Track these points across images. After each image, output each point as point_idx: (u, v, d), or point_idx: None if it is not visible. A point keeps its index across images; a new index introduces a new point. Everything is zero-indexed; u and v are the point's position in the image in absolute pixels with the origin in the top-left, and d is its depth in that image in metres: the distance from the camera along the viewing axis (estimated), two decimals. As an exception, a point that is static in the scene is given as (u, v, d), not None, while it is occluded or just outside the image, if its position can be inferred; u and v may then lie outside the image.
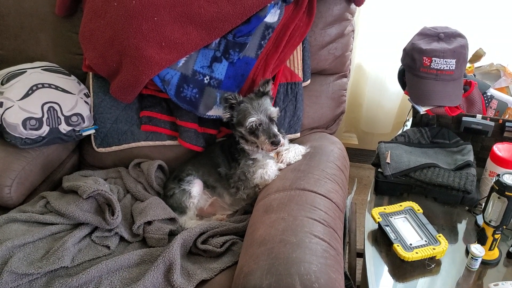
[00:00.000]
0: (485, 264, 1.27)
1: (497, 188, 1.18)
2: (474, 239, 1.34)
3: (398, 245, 1.27)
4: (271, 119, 1.53)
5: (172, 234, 1.48)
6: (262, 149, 1.56)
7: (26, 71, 1.68)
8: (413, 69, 1.63)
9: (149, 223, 1.48)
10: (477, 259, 1.23)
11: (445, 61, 1.58)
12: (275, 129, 1.53)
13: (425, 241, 1.29)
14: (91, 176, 1.67)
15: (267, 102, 1.54)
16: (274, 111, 1.54)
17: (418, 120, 1.73)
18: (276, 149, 1.54)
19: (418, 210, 1.41)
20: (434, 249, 1.26)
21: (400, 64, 1.76)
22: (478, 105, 1.68)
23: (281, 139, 1.52)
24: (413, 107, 1.68)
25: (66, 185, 1.58)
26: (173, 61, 1.58)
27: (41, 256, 1.32)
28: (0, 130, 1.56)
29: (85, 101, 1.73)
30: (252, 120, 1.50)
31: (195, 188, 1.61)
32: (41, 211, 1.50)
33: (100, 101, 1.75)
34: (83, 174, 1.73)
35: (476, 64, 1.87)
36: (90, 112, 1.74)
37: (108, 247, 1.41)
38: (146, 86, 1.68)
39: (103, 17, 1.62)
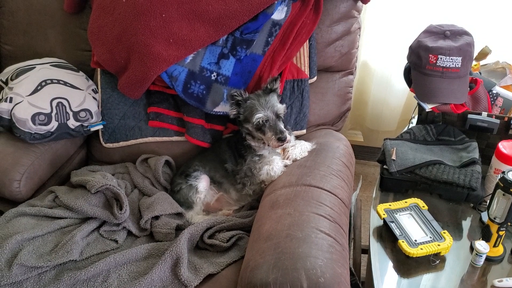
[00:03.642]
0: (490, 260, 1.28)
1: (502, 185, 1.18)
2: (479, 236, 1.35)
3: (403, 241, 1.28)
4: (278, 116, 1.54)
5: (179, 229, 1.50)
6: (268, 145, 1.57)
7: (35, 67, 1.70)
8: (419, 66, 1.64)
9: (156, 217, 1.50)
10: (481, 256, 1.24)
11: (451, 59, 1.58)
12: (282, 126, 1.54)
13: (430, 237, 1.30)
14: (99, 171, 1.69)
15: (274, 99, 1.55)
16: (281, 107, 1.55)
17: (424, 118, 1.74)
18: (282, 145, 1.55)
19: (423, 206, 1.42)
20: (438, 245, 1.26)
21: (406, 62, 1.76)
22: (483, 103, 1.69)
23: (288, 135, 1.53)
24: (418, 104, 1.69)
25: (74, 180, 1.60)
26: (181, 57, 1.59)
27: (50, 250, 1.33)
28: (10, 125, 1.58)
29: (93, 97, 1.75)
30: (259, 116, 1.51)
31: (202, 183, 1.62)
32: (49, 205, 1.52)
33: (108, 97, 1.77)
34: (91, 169, 1.74)
35: (482, 62, 1.87)
36: (98, 108, 1.76)
37: (116, 241, 1.43)
38: (154, 82, 1.69)
39: (112, 14, 1.64)
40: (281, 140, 1.51)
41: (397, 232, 1.32)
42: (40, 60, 1.78)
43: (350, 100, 1.87)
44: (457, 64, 1.58)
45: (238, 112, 1.58)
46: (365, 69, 2.37)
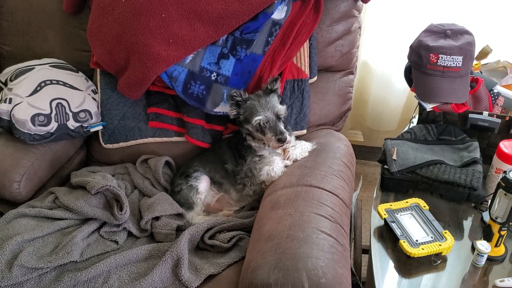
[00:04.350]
0: (491, 260, 1.28)
1: (503, 184, 1.18)
2: (480, 236, 1.35)
3: (404, 241, 1.27)
4: (278, 117, 1.54)
5: (179, 230, 1.49)
6: (268, 146, 1.57)
7: (34, 68, 1.69)
8: (420, 66, 1.63)
9: (156, 218, 1.50)
10: (483, 256, 1.24)
11: (452, 58, 1.57)
12: (282, 127, 1.54)
13: (431, 237, 1.30)
14: (99, 172, 1.68)
15: (274, 100, 1.55)
16: (281, 109, 1.55)
17: (425, 117, 1.73)
18: (282, 146, 1.55)
19: (424, 206, 1.42)
20: (440, 245, 1.26)
21: (407, 61, 1.76)
22: (484, 102, 1.68)
23: (288, 136, 1.53)
24: (419, 104, 1.68)
25: (74, 181, 1.59)
26: (181, 57, 1.59)
27: (50, 251, 1.33)
28: (9, 126, 1.57)
29: (93, 98, 1.74)
30: (259, 118, 1.51)
31: (202, 184, 1.62)
32: (49, 206, 1.51)
33: (107, 98, 1.77)
34: (91, 170, 1.74)
35: (483, 61, 1.87)
36: (98, 109, 1.76)
37: (117, 242, 1.42)
38: (154, 83, 1.69)
39: (111, 14, 1.63)
40: (281, 141, 1.51)
41: (398, 232, 1.32)
42: (40, 61, 1.78)
43: (351, 100, 1.87)
44: (458, 64, 1.58)
45: (238, 112, 1.57)
46: (365, 68, 2.37)
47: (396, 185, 1.55)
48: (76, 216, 1.46)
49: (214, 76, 1.65)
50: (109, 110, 1.77)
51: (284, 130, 1.54)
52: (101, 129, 1.78)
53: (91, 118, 1.71)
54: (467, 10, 1.99)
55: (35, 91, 1.61)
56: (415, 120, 1.84)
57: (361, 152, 2.68)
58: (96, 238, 1.42)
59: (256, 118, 1.51)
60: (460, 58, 1.57)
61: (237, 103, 1.57)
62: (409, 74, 1.75)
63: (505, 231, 1.25)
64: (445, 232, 1.30)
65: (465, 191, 1.46)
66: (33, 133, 1.58)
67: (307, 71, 1.73)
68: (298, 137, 1.74)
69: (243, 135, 1.62)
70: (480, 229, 1.39)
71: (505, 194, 1.19)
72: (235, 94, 1.55)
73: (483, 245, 1.23)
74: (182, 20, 1.57)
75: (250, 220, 1.47)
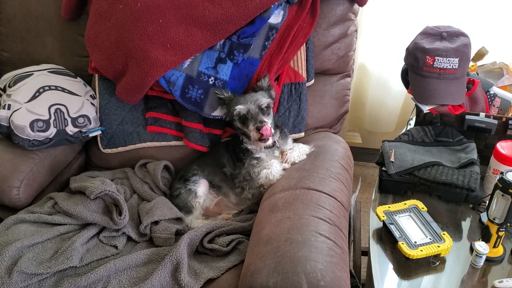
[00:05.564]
0: (490, 261, 1.28)
1: (500, 185, 1.18)
2: (479, 237, 1.35)
3: (402, 243, 1.28)
4: (261, 109, 1.54)
5: (178, 234, 1.49)
6: (253, 139, 1.55)
7: (33, 74, 1.70)
8: (416, 68, 1.64)
9: (156, 223, 1.50)
10: (481, 257, 1.24)
11: (448, 60, 1.58)
12: (264, 118, 1.53)
13: (430, 239, 1.30)
14: (98, 177, 1.69)
15: (260, 94, 1.57)
16: (264, 101, 1.54)
17: (422, 119, 1.74)
18: (264, 138, 1.49)
19: (423, 208, 1.42)
20: (438, 246, 1.27)
21: (403, 64, 1.76)
22: (481, 104, 1.69)
23: (268, 125, 1.50)
24: (416, 106, 1.69)
25: (73, 186, 1.60)
26: (178, 62, 1.60)
27: (50, 256, 1.33)
28: (8, 132, 1.58)
29: (91, 103, 1.75)
30: (238, 107, 1.52)
31: (201, 188, 1.62)
32: (49, 211, 1.51)
33: (106, 103, 1.77)
34: (90, 175, 1.74)
35: (479, 63, 1.88)
36: (96, 114, 1.76)
37: (116, 247, 1.42)
38: (152, 88, 1.69)
39: (109, 20, 1.64)
40: (259, 128, 1.48)
41: (396, 234, 1.32)
42: (38, 67, 1.78)
43: (348, 102, 1.88)
44: (454, 65, 1.59)
45: (227, 110, 1.60)
46: (362, 71, 2.38)
47: (394, 187, 1.55)
48: (76, 221, 1.46)
49: (212, 80, 1.65)
50: (107, 115, 1.77)
51: (265, 120, 1.52)
52: (100, 134, 1.78)
53: (90, 123, 1.72)
54: (463, 12, 2.00)
55: (33, 97, 1.61)
56: (412, 122, 1.84)
57: (360, 154, 2.68)
58: (95, 243, 1.43)
59: (237, 107, 1.53)
60: (456, 60, 1.58)
61: (224, 102, 1.60)
62: (406, 76, 1.75)
63: (503, 232, 1.26)
64: (444, 234, 1.31)
65: (462, 192, 1.47)
66: (32, 139, 1.59)
67: (304, 75, 1.74)
68: (296, 140, 1.74)
69: (240, 137, 1.62)
70: (479, 230, 1.40)
71: (502, 195, 1.19)
72: (217, 92, 1.59)
73: (481, 246, 1.23)
74: (180, 25, 1.57)
75: (249, 224, 1.47)
